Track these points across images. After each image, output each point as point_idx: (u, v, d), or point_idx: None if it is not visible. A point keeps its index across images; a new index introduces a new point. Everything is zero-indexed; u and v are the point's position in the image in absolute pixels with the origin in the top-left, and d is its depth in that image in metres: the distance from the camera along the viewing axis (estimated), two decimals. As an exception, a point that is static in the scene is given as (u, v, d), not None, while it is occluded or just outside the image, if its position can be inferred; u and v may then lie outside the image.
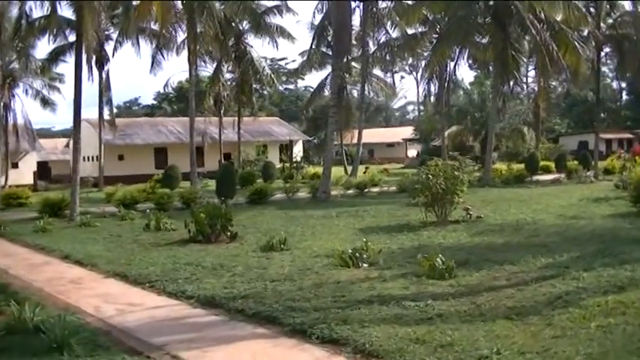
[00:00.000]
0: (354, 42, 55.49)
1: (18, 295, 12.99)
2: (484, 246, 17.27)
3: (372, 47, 55.67)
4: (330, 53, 51.36)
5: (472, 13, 43.42)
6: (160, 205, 31.41)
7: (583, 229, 19.68)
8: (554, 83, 69.32)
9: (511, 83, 45.00)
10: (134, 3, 34.23)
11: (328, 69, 58.13)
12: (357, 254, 15.38)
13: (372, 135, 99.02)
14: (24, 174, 62.61)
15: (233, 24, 56.01)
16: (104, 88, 55.95)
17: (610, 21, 51.79)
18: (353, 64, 58.96)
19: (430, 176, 21.86)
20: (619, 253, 14.90)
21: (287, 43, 70.10)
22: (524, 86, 70.03)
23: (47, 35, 49.63)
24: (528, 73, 74.42)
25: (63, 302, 13.01)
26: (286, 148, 73.59)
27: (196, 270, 15.43)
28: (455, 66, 51.42)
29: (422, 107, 71.34)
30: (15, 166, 62.05)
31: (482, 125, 59.37)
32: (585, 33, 49.50)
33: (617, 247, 15.66)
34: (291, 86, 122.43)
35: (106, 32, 55.60)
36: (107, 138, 61.65)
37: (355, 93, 66.28)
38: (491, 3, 43.29)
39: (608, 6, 50.83)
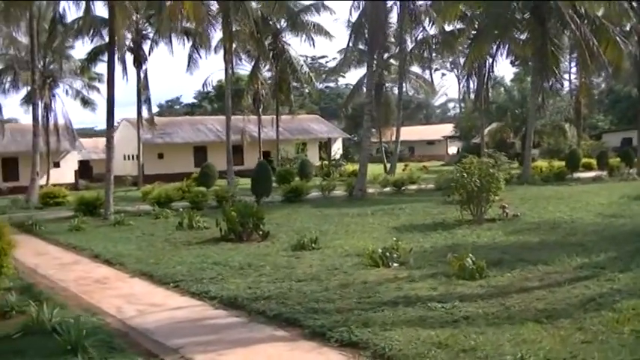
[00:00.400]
0: (392, 39, 55.17)
1: (41, 295, 12.90)
2: (519, 245, 16.84)
3: (409, 44, 55.12)
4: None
5: (510, 9, 42.77)
6: (195, 204, 31.38)
7: (622, 228, 19.16)
8: (596, 79, 68.16)
9: (550, 79, 44.09)
10: (167, 3, 34.03)
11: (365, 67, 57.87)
12: (388, 254, 15.04)
13: (413, 132, 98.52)
14: (65, 173, 63.11)
15: (270, 22, 55.87)
16: (142, 87, 56.14)
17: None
18: (391, 61, 58.45)
19: (465, 174, 21.43)
20: (658, 253, 14.40)
21: (325, 41, 69.87)
22: (566, 82, 69.08)
23: (85, 36, 49.84)
24: (571, 69, 73.26)
25: (86, 302, 12.88)
26: (325, 145, 73.32)
27: (223, 269, 15.20)
28: (493, 62, 50.67)
29: (462, 104, 70.40)
30: (57, 165, 62.56)
31: (523, 122, 58.50)
32: (627, 28, 48.54)
33: (657, 247, 15.16)
34: (332, 84, 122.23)
35: (144, 32, 55.77)
36: (147, 137, 61.96)
37: (396, 90, 65.69)
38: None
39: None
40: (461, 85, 60.88)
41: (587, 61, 39.85)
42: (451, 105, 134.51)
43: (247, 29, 47.42)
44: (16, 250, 19.81)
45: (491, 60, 49.90)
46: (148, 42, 55.95)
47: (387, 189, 38.29)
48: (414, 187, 38.33)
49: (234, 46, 51.74)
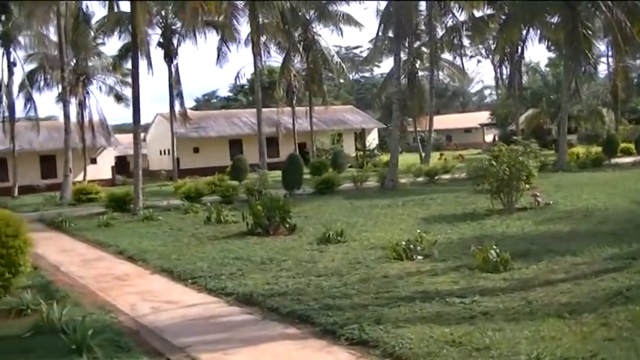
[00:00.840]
0: (422, 27, 54.47)
1: (57, 294, 12.81)
2: (548, 235, 16.39)
3: (440, 32, 54.38)
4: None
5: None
6: (226, 198, 31.22)
7: (658, 215, 18.56)
8: (633, 62, 66.70)
9: (583, 64, 43.12)
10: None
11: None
12: (412, 246, 14.68)
13: (449, 121, 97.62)
14: (102, 169, 63.47)
15: (299, 13, 55.58)
16: (174, 81, 56.15)
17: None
18: (423, 49, 57.76)
19: (494, 162, 20.93)
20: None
21: (356, 30, 69.40)
22: (604, 66, 67.64)
23: (112, 33, 50.08)
24: (608, 52, 71.90)
25: (102, 300, 12.76)
26: (360, 136, 72.90)
27: (244, 265, 14.98)
28: (522, 47, 49.76)
29: (499, 91, 69.38)
30: (93, 161, 62.92)
31: (559, 108, 57.22)
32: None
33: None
34: (367, 74, 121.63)
35: (173, 27, 55.72)
36: (182, 131, 62.03)
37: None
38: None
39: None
40: (494, 72, 59.78)
41: (621, 44, 38.94)
42: (487, 92, 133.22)
43: (275, 21, 47.11)
44: (37, 247, 20.04)
45: (523, 45, 49.10)
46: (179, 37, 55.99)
47: (420, 179, 37.82)
48: (447, 176, 37.75)
49: (263, 38, 51.66)
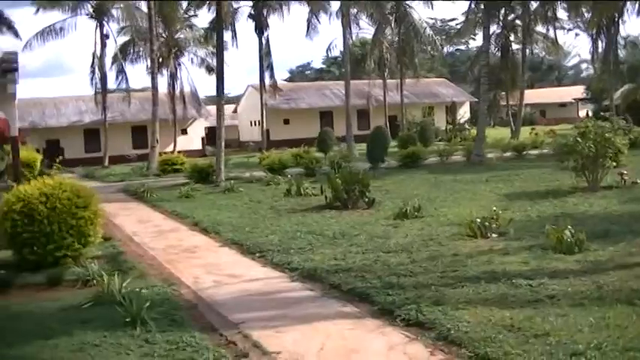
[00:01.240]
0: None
1: (125, 265, 12.89)
2: (632, 215, 15.58)
3: (533, 4, 52.79)
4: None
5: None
6: (309, 170, 31.12)
7: None
8: None
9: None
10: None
11: (492, 28, 56.11)
12: (487, 223, 14.21)
13: (544, 95, 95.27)
14: (193, 140, 64.37)
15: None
16: (264, 53, 56.32)
17: None
18: (517, 22, 56.28)
19: (579, 139, 20.14)
20: None
21: (450, 4, 68.07)
22: None
23: (205, 5, 50.36)
24: None
25: (167, 272, 12.78)
26: (451, 109, 71.87)
27: (315, 239, 14.79)
28: (618, 20, 47.83)
29: (595, 65, 67.14)
30: (184, 132, 63.82)
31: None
32: None
33: None
34: (463, 47, 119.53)
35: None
36: (272, 103, 62.31)
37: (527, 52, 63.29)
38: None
39: None
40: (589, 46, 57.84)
41: None
42: (584, 66, 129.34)
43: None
44: (116, 217, 20.43)
45: (619, 18, 47.21)
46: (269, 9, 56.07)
47: (508, 154, 36.94)
48: (535, 151, 36.75)
49: (354, 10, 51.26)
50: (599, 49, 53.65)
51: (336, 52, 71.90)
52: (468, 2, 49.58)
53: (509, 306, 8.86)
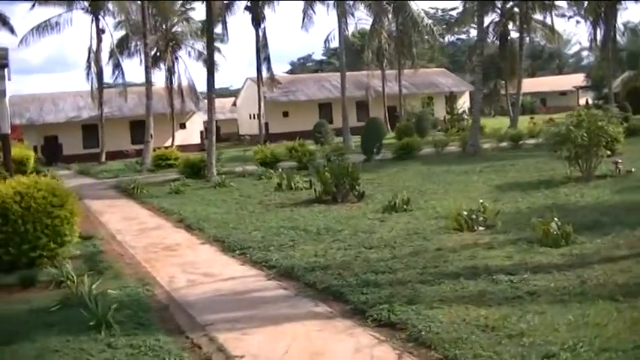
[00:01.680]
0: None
1: (102, 265, 12.59)
2: (624, 205, 15.28)
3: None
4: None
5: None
6: (303, 164, 30.80)
7: None
8: None
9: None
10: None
11: (490, 17, 55.80)
12: (473, 216, 13.89)
13: (544, 83, 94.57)
14: (192, 134, 64.06)
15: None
16: (261, 45, 55.91)
17: None
18: (516, 10, 55.86)
19: (572, 127, 19.76)
20: None
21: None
22: None
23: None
24: None
25: (144, 271, 12.50)
26: (449, 99, 71.51)
27: (298, 235, 14.49)
28: (615, 7, 47.31)
29: (595, 53, 66.71)
30: (182, 126, 63.48)
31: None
32: None
33: None
34: (464, 36, 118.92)
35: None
36: (271, 95, 61.95)
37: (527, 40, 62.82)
38: None
39: None
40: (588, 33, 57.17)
41: None
42: (585, 54, 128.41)
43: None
44: (103, 215, 20.16)
45: (616, 4, 46.76)
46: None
47: (504, 144, 36.51)
48: (532, 141, 36.34)
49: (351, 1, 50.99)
50: (599, 37, 53.14)
51: (335, 44, 71.59)
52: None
53: (487, 304, 8.55)
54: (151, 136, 42.77)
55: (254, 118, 66.65)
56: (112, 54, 55.66)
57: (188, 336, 8.52)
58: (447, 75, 77.77)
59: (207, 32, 31.10)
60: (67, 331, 8.70)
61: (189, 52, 60.77)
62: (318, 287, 10.13)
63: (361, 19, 63.33)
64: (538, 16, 55.13)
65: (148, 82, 43.66)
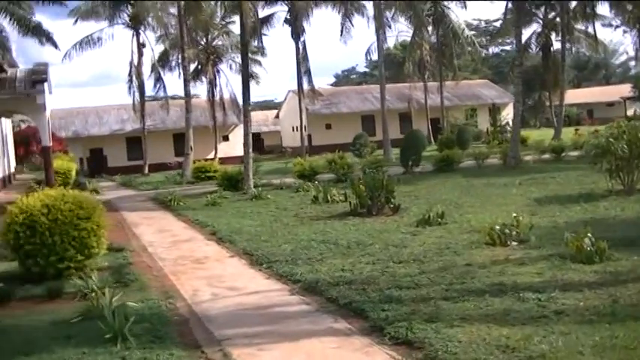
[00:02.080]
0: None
1: (128, 277, 12.56)
2: (665, 221, 14.83)
3: (573, 2, 51.62)
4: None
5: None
6: (341, 176, 30.61)
7: None
8: None
9: None
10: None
11: (532, 27, 55.27)
12: (507, 231, 13.57)
13: (591, 94, 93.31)
14: (235, 146, 64.09)
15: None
16: (302, 58, 55.92)
17: None
18: (557, 20, 55.21)
19: (611, 140, 19.29)
20: None
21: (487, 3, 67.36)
22: None
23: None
24: None
25: (169, 284, 12.40)
26: (493, 111, 70.86)
27: (328, 248, 14.29)
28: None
29: (640, 62, 65.74)
30: (225, 139, 63.77)
31: None
32: None
33: None
34: (508, 47, 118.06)
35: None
36: (314, 108, 61.98)
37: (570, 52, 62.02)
38: None
39: None
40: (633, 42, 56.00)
41: None
42: (632, 64, 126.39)
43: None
44: (138, 227, 20.16)
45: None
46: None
47: (546, 156, 35.93)
48: (575, 153, 35.73)
49: (390, 13, 50.78)
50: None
51: (376, 56, 71.60)
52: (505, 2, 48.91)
53: (510, 323, 8.25)
54: (191, 148, 42.96)
55: (296, 130, 66.72)
56: (153, 67, 56.13)
57: (204, 350, 8.40)
58: (490, 86, 77.10)
59: (242, 45, 31.20)
60: (84, 343, 8.68)
61: (230, 65, 61.16)
62: (340, 302, 9.91)
63: (402, 31, 63.22)
64: (580, 26, 54.43)
65: (187, 95, 43.83)
